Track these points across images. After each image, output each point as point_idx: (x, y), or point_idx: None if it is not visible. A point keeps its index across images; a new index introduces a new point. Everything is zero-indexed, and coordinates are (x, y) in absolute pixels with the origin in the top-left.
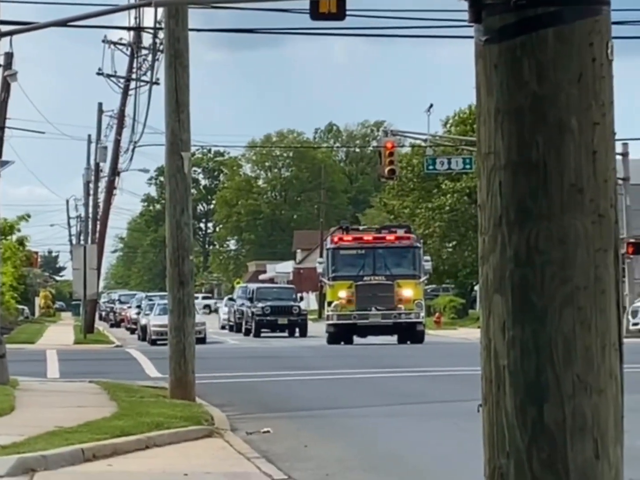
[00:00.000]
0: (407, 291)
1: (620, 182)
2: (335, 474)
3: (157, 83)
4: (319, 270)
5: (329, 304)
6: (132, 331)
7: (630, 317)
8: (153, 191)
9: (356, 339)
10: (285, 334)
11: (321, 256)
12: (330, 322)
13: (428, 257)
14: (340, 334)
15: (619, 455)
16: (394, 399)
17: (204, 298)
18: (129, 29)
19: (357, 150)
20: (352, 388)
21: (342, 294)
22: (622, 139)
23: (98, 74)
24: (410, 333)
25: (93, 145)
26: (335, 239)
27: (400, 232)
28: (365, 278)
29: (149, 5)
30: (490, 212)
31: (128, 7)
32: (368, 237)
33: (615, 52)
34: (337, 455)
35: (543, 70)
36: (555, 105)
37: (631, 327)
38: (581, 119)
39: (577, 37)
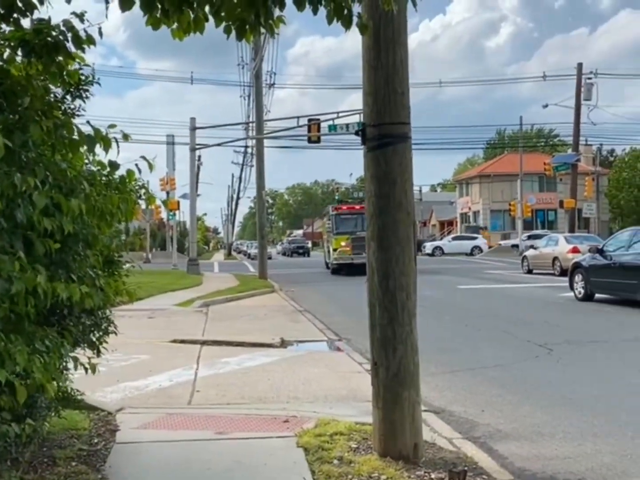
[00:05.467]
0: None
1: (415, 200)
2: (318, 304)
3: (252, 166)
4: (328, 227)
5: (335, 250)
6: (245, 255)
7: (423, 248)
8: (252, 204)
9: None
10: (302, 257)
11: (328, 220)
12: (335, 262)
13: None
14: (341, 269)
15: (414, 301)
16: (355, 284)
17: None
18: (241, 146)
19: (330, 189)
20: (335, 279)
21: (343, 243)
22: (416, 184)
23: (233, 163)
24: None
25: (230, 189)
26: (337, 208)
27: None
28: (357, 233)
29: (248, 139)
30: (371, 213)
31: (243, 139)
32: (357, 206)
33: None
34: (321, 298)
35: (387, 163)
36: (392, 175)
37: (422, 251)
38: (402, 180)
39: (400, 151)
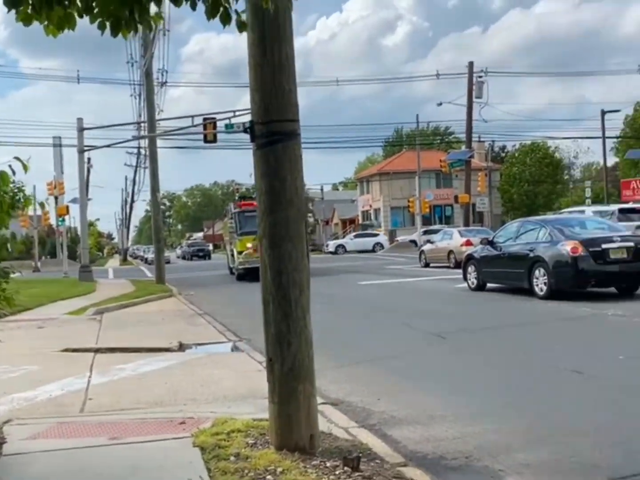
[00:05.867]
0: None
1: (317, 199)
2: (218, 307)
3: (146, 167)
4: (231, 227)
5: (240, 252)
6: (142, 260)
7: (326, 247)
8: (148, 207)
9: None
10: (203, 259)
11: (231, 219)
12: (241, 267)
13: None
14: (248, 274)
15: (307, 296)
16: (257, 286)
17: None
18: (134, 147)
19: (231, 190)
20: (237, 282)
21: (249, 244)
22: (317, 183)
23: (126, 165)
24: None
25: (124, 192)
26: (240, 205)
27: None
28: None
29: (139, 138)
30: (262, 210)
31: (136, 139)
32: None
33: (303, 152)
34: (221, 301)
35: (277, 160)
36: (282, 172)
37: (325, 250)
38: (292, 177)
39: (290, 148)
